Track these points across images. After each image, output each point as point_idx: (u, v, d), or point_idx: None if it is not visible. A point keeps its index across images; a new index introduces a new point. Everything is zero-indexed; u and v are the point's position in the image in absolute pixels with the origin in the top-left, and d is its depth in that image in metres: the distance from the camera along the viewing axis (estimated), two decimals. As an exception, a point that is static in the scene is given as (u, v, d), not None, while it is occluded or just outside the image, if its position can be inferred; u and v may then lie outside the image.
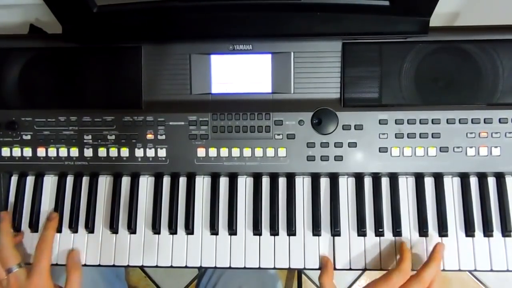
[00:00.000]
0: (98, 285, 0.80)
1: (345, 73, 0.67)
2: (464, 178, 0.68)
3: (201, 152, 0.68)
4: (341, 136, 0.67)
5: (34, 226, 0.70)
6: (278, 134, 0.67)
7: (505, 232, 0.65)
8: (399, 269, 0.61)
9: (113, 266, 0.69)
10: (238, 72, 0.68)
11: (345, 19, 0.63)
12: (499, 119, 0.65)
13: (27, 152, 0.69)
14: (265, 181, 0.69)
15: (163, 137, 0.68)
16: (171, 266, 0.68)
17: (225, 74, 0.68)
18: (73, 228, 0.69)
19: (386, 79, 0.66)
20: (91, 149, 0.69)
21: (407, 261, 0.62)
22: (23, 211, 0.71)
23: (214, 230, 0.68)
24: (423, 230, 0.66)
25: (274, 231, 0.67)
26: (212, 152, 0.68)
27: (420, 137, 0.66)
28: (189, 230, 0.68)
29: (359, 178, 0.68)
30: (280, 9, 0.63)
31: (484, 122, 0.65)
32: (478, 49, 0.65)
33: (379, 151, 0.66)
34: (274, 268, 0.67)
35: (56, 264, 0.68)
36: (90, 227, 0.69)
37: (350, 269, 0.66)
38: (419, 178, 0.68)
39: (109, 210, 0.69)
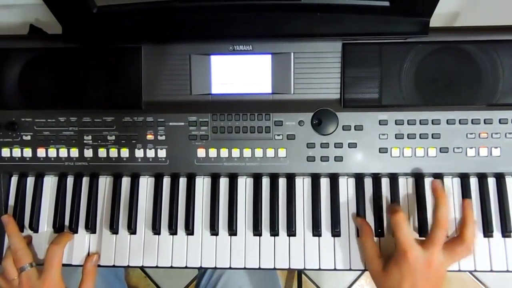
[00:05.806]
0: (97, 286, 0.80)
1: (345, 74, 0.67)
2: (464, 178, 0.67)
3: (201, 152, 0.68)
4: (341, 137, 0.67)
5: (34, 226, 0.70)
6: (278, 135, 0.67)
7: (505, 233, 0.65)
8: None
9: (113, 266, 0.69)
10: (238, 72, 0.68)
11: (345, 20, 0.63)
12: (499, 120, 0.65)
13: (27, 152, 0.69)
14: (265, 182, 0.69)
15: (163, 137, 0.68)
16: (171, 267, 0.68)
17: (225, 74, 0.68)
18: (73, 228, 0.69)
19: (386, 80, 0.66)
20: (91, 150, 0.69)
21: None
22: (24, 212, 0.70)
23: (214, 231, 0.68)
24: (423, 231, 0.66)
25: (274, 232, 0.67)
26: (212, 152, 0.67)
27: (420, 137, 0.66)
28: (189, 230, 0.68)
29: (359, 178, 0.68)
30: (280, 10, 0.63)
31: (484, 123, 0.65)
32: (478, 50, 0.65)
33: (379, 152, 0.66)
34: (274, 269, 0.67)
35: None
36: (90, 228, 0.69)
37: (350, 269, 0.66)
38: (419, 179, 0.68)
39: (109, 211, 0.69)
